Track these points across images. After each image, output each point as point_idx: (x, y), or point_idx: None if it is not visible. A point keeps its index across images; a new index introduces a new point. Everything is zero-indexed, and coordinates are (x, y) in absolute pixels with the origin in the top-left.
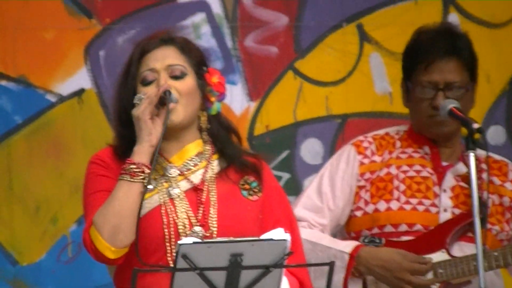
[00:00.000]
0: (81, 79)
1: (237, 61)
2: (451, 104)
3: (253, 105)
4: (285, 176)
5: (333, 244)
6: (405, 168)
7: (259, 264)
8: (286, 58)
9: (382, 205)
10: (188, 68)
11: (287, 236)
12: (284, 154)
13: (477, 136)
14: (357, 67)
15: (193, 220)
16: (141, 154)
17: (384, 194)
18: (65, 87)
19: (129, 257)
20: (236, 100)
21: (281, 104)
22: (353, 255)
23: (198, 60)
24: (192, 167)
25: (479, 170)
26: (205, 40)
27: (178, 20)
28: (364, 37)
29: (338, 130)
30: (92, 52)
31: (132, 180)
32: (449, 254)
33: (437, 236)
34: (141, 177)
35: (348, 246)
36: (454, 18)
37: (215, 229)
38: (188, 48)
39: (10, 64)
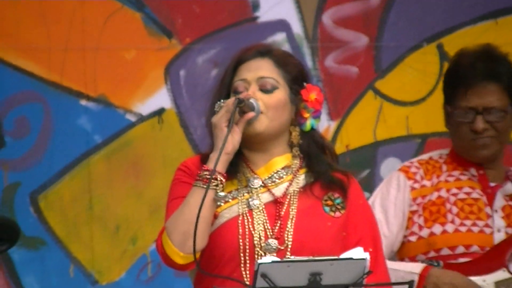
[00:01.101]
0: (161, 98)
1: (317, 81)
2: None
3: (333, 125)
4: (365, 195)
5: (399, 267)
6: (454, 190)
7: (338, 283)
8: (366, 78)
9: (437, 229)
10: (280, 82)
11: (367, 255)
12: (364, 174)
13: None
14: (437, 87)
15: (269, 233)
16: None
17: (439, 218)
18: (145, 107)
19: (208, 265)
20: None
21: (361, 123)
22: (424, 275)
23: (295, 75)
24: (276, 180)
25: None
26: None
27: (258, 40)
28: (444, 57)
29: (418, 150)
30: (172, 72)
31: (204, 186)
32: (510, 272)
33: (496, 255)
34: (214, 184)
35: (417, 267)
36: None
37: (290, 243)
38: (284, 62)
39: (90, 83)
